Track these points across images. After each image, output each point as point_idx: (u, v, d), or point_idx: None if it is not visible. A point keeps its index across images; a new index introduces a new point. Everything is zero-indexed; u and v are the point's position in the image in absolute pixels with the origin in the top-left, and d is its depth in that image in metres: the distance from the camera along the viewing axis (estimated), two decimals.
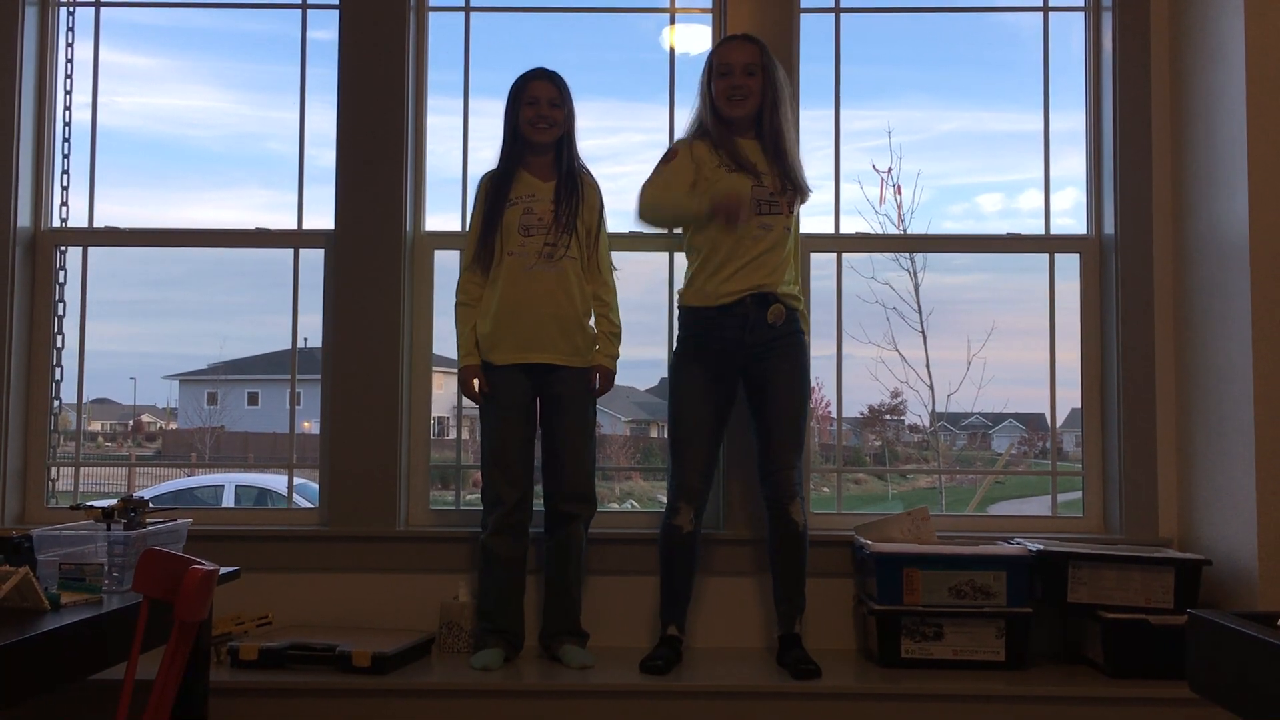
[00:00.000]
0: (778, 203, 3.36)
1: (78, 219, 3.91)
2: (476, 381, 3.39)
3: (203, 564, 2.12)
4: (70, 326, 3.87)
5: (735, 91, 3.38)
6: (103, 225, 3.90)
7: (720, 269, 3.33)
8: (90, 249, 3.89)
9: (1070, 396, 3.86)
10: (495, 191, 3.42)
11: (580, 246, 3.41)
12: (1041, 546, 3.38)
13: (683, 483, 3.35)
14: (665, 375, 3.69)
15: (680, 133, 3.56)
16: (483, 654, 3.29)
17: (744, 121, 3.41)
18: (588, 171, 3.52)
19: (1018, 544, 3.46)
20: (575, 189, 3.43)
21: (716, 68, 3.41)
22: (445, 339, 3.49)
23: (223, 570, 2.59)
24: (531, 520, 3.43)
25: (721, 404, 3.39)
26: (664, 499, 3.43)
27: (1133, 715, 3.08)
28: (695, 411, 3.36)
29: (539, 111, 3.41)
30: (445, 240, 3.80)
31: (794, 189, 3.40)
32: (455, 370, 3.47)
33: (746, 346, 3.33)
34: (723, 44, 3.49)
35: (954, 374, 4.12)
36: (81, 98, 3.94)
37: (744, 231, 3.30)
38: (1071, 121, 3.89)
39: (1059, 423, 3.92)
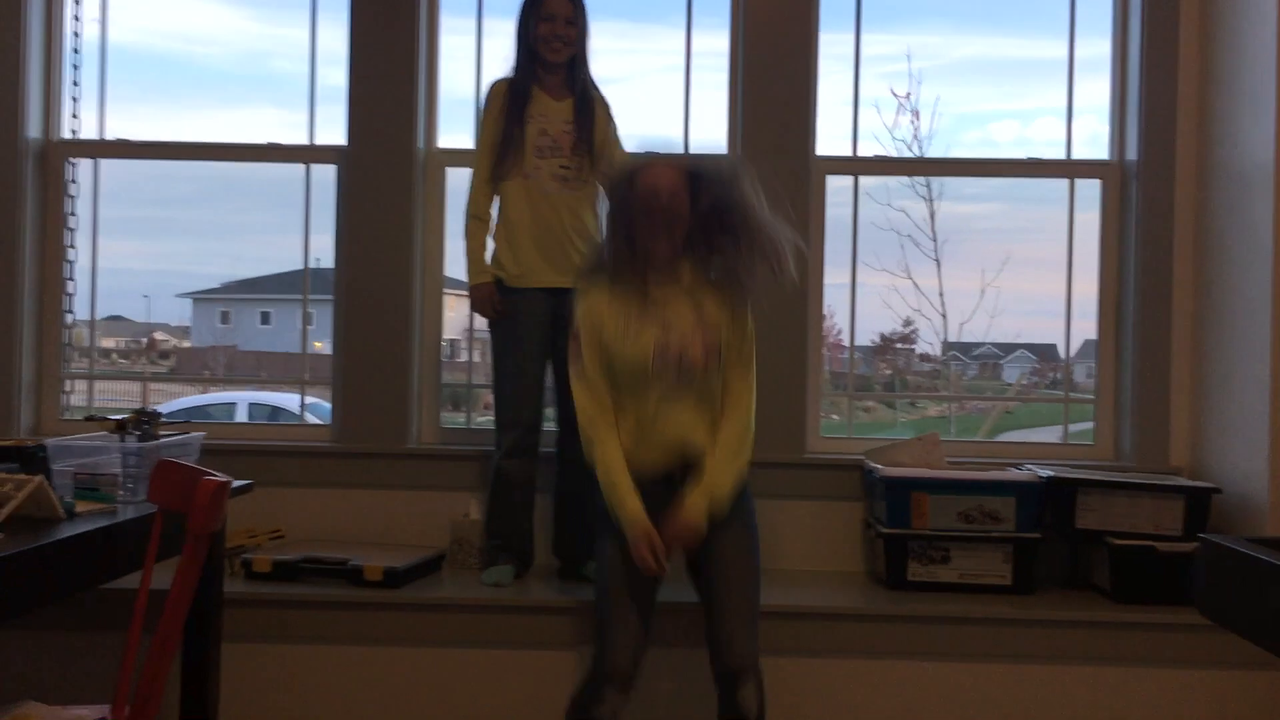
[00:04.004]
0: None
1: (88, 134, 3.88)
2: (493, 301, 3.32)
3: (216, 476, 2.13)
4: (82, 242, 3.86)
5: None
6: (113, 138, 3.87)
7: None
8: (101, 162, 3.87)
9: (1084, 328, 3.83)
10: (512, 105, 3.33)
11: (594, 169, 3.36)
12: (1051, 473, 3.38)
13: (607, 659, 2.58)
14: None
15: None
16: (494, 570, 3.32)
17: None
18: (598, 90, 3.43)
19: (1028, 470, 3.46)
20: (590, 110, 3.36)
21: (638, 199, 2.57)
22: (458, 260, 3.45)
23: (235, 484, 2.61)
24: (541, 441, 3.43)
25: None
26: None
27: (1138, 639, 3.12)
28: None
29: (554, 30, 3.31)
30: (458, 158, 3.75)
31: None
32: (466, 294, 3.43)
33: None
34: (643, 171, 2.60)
35: (967, 303, 4.10)
36: (91, 11, 3.89)
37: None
38: (1093, 48, 3.81)
39: (1071, 354, 3.90)
